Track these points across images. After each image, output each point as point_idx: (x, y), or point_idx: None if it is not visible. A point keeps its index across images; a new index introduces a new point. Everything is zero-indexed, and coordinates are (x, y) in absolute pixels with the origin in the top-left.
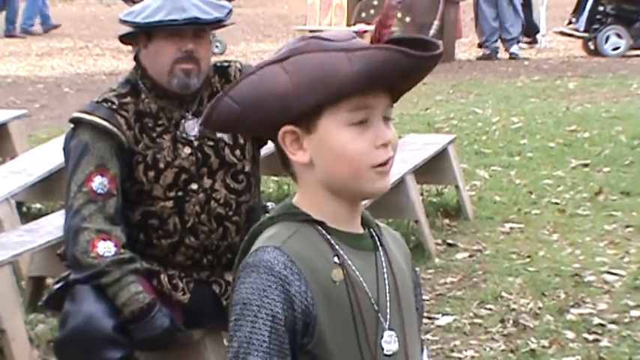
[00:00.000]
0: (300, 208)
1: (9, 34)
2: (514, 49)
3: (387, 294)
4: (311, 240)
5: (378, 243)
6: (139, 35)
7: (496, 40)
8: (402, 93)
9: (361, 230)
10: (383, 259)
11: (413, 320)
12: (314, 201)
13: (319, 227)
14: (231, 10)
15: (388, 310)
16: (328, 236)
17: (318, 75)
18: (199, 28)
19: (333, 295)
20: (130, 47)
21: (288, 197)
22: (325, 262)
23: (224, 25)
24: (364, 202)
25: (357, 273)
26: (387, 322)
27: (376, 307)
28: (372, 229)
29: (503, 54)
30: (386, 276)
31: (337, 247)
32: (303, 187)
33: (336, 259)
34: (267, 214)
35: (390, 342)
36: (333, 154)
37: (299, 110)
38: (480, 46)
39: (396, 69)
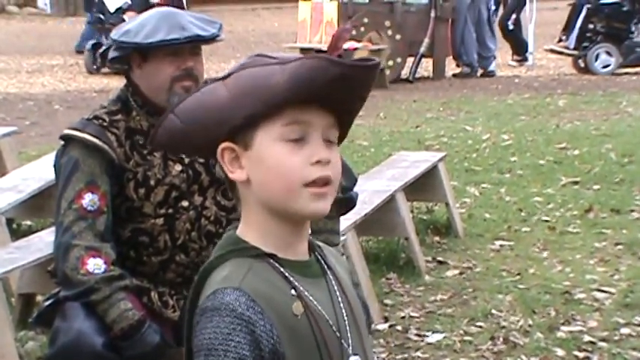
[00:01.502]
0: (247, 241)
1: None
2: (492, 66)
3: (345, 318)
4: (266, 275)
5: (326, 267)
6: (133, 55)
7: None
8: (347, 115)
9: (307, 257)
10: (334, 282)
11: (367, 336)
12: (259, 229)
13: (271, 261)
14: (221, 26)
15: (349, 335)
16: (282, 269)
17: (251, 85)
18: (196, 45)
19: (296, 330)
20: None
21: (228, 228)
22: (284, 297)
23: (217, 41)
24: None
25: (315, 302)
26: (350, 347)
27: (338, 334)
28: (317, 253)
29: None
30: (340, 299)
31: (292, 279)
32: (245, 210)
33: (293, 292)
34: (215, 252)
35: None
36: (266, 169)
37: (234, 123)
38: (458, 65)
39: (324, 77)
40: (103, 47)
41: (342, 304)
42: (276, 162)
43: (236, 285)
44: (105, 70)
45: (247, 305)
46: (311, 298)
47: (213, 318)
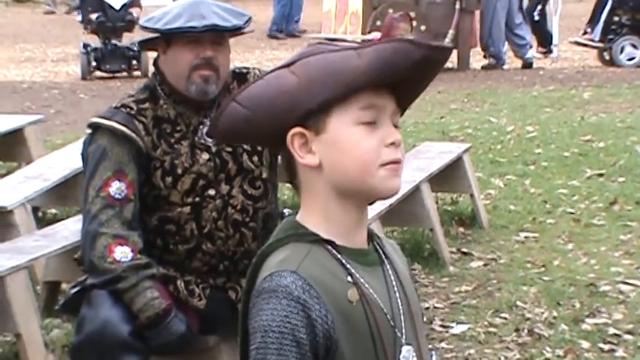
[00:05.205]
0: (307, 226)
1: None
2: (529, 54)
3: (400, 307)
4: (323, 261)
5: (384, 256)
6: (159, 41)
7: (506, 51)
8: (409, 100)
9: (366, 245)
10: (390, 272)
11: (423, 328)
12: (321, 215)
13: (329, 247)
14: (250, 18)
15: (403, 325)
16: (339, 256)
17: (328, 71)
18: (218, 35)
19: (351, 317)
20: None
21: (288, 214)
22: (340, 283)
23: (242, 33)
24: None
25: (371, 290)
26: (404, 337)
27: (392, 323)
28: (375, 243)
29: (516, 62)
30: (396, 289)
31: (349, 266)
32: (308, 196)
33: (349, 279)
34: (274, 236)
35: (408, 357)
36: (343, 153)
37: (308, 108)
38: (485, 56)
39: (406, 59)
40: (89, 50)
41: (397, 294)
42: (353, 144)
43: (293, 268)
44: (99, 74)
45: (303, 289)
46: (367, 285)
47: (270, 300)
